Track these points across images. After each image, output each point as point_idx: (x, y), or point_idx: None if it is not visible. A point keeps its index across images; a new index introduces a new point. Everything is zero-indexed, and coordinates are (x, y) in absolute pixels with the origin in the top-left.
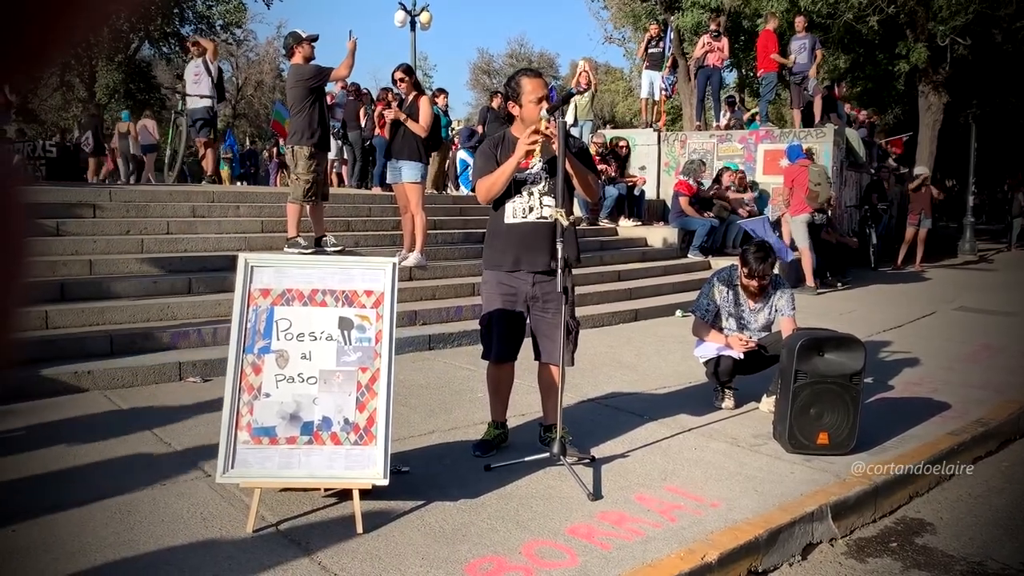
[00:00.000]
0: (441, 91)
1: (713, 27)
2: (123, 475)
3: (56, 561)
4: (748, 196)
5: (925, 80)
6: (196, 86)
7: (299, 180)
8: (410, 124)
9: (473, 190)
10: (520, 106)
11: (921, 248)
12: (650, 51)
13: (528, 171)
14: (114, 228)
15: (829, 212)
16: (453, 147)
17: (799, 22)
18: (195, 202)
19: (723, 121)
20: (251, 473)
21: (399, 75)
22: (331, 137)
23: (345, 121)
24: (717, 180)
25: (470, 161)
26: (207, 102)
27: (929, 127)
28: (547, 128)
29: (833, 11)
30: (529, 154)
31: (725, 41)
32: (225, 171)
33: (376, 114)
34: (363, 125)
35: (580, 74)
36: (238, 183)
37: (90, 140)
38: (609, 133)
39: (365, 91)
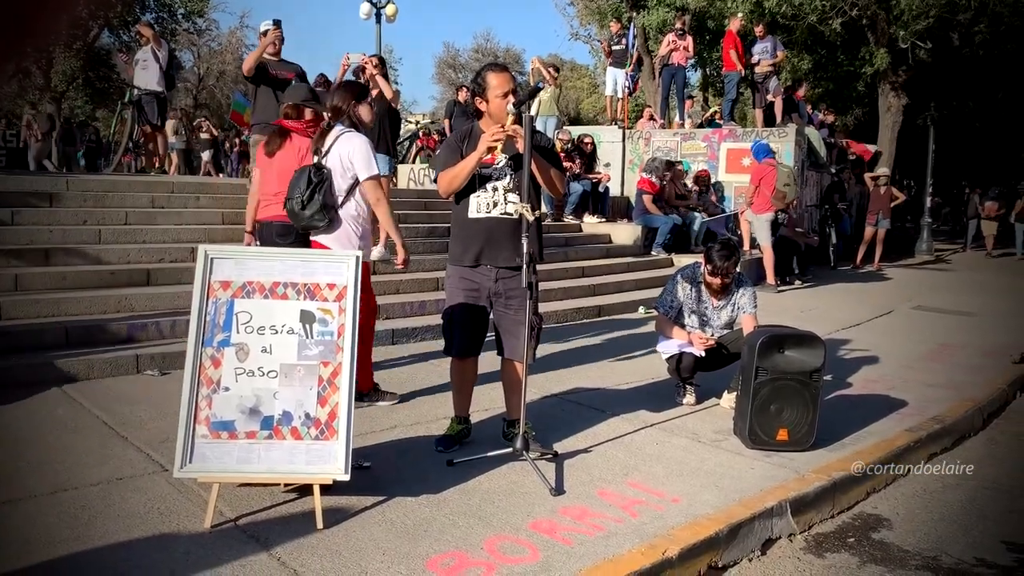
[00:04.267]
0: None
1: (678, 25)
2: (78, 469)
3: (7, 557)
4: (714, 198)
5: (885, 82)
6: (144, 73)
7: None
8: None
9: (435, 182)
10: (487, 101)
11: (879, 248)
12: (614, 48)
13: (493, 166)
14: (71, 218)
15: (791, 211)
16: None
17: (758, 29)
18: (155, 192)
19: (686, 120)
20: (209, 468)
21: (375, 62)
22: None
23: None
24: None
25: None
26: (156, 89)
27: (889, 128)
28: (511, 128)
29: (797, 13)
30: (492, 150)
31: (690, 40)
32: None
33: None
34: None
35: (535, 71)
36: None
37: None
38: (575, 130)
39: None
